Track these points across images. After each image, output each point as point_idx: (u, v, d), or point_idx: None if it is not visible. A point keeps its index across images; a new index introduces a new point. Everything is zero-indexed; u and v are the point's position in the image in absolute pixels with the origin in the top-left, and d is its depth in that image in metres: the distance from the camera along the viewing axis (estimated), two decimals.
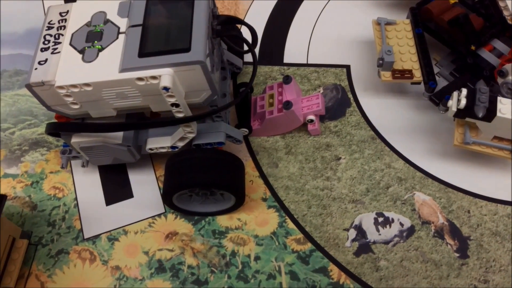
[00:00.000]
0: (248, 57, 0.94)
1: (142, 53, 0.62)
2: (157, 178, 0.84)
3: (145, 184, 0.84)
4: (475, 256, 0.75)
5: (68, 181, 0.84)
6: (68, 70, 0.63)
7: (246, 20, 1.03)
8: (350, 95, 0.92)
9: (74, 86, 0.63)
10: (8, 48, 1.03)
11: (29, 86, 0.64)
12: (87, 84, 0.62)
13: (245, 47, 0.94)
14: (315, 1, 1.08)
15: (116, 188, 0.83)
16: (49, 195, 0.83)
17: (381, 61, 0.83)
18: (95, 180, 0.84)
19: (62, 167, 0.80)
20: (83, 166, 0.81)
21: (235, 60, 0.87)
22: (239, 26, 1.00)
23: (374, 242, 0.77)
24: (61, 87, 0.63)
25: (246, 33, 0.84)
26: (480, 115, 0.72)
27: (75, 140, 0.72)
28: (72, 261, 0.76)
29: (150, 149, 0.75)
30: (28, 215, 0.81)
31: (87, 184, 0.84)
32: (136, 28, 0.65)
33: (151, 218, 0.80)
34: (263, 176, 0.84)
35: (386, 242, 0.77)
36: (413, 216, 0.79)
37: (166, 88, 0.60)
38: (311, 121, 0.85)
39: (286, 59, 0.98)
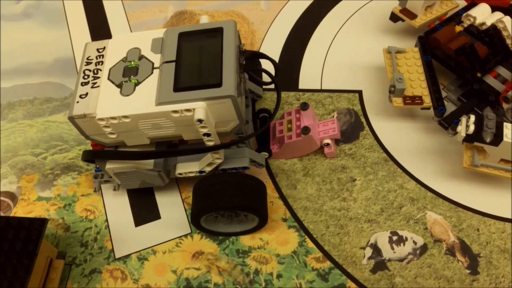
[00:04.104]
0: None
1: (177, 88, 0.67)
2: (183, 200, 0.89)
3: (172, 206, 0.88)
4: (485, 273, 0.79)
5: (99, 204, 0.89)
6: (107, 103, 0.69)
7: (262, 47, 1.10)
8: (363, 119, 0.97)
9: (113, 118, 0.68)
10: (37, 77, 1.09)
11: (71, 119, 0.69)
12: (125, 116, 0.68)
13: (264, 76, 1.00)
14: (327, 30, 1.14)
15: (144, 210, 0.88)
16: (81, 217, 0.88)
17: (392, 88, 0.88)
18: (124, 203, 0.89)
19: (94, 191, 0.85)
20: (114, 189, 0.86)
21: (256, 89, 0.93)
22: None
23: (389, 260, 0.81)
24: (101, 119, 0.68)
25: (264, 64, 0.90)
26: (488, 140, 0.77)
27: (110, 166, 0.77)
28: (105, 280, 0.81)
29: (180, 173, 0.80)
30: (62, 236, 0.85)
31: (117, 207, 0.89)
32: (169, 64, 0.70)
33: (178, 238, 0.85)
34: (282, 197, 0.88)
35: (401, 260, 0.81)
36: (425, 235, 0.83)
37: (200, 120, 0.65)
38: (327, 144, 0.89)
39: (301, 85, 1.04)
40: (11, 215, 0.88)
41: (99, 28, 1.18)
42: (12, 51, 1.15)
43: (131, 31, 1.17)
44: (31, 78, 1.09)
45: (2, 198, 0.90)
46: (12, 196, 0.91)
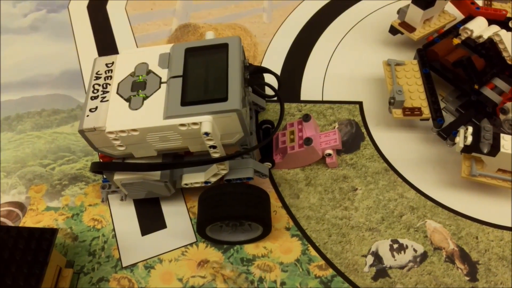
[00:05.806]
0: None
1: (184, 102, 0.69)
2: (188, 209, 0.91)
3: (177, 215, 0.90)
4: (484, 280, 0.81)
5: (106, 213, 0.91)
6: (116, 117, 0.71)
7: (264, 60, 1.12)
8: (363, 130, 0.99)
9: (122, 131, 0.70)
10: (45, 89, 1.11)
11: (82, 132, 0.71)
12: (134, 130, 0.70)
13: (267, 89, 1.02)
14: (328, 42, 1.16)
15: (150, 219, 0.90)
16: (89, 226, 0.90)
17: (392, 100, 0.91)
18: (131, 212, 0.91)
19: (102, 201, 0.87)
20: (121, 199, 0.88)
21: (259, 101, 0.95)
22: None
23: (390, 267, 0.83)
24: (111, 132, 0.70)
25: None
26: (485, 151, 0.79)
27: (117, 177, 0.79)
28: None
29: (186, 184, 0.82)
30: (70, 246, 0.87)
31: (124, 216, 0.91)
32: (176, 79, 0.72)
33: (183, 247, 0.87)
34: (285, 206, 0.90)
35: (401, 267, 0.83)
36: (425, 243, 0.85)
37: (206, 133, 0.67)
38: (329, 155, 0.92)
39: (303, 97, 1.06)
40: (20, 225, 0.90)
41: (104, 40, 1.21)
42: (20, 63, 1.17)
43: (136, 44, 1.19)
44: (39, 90, 1.11)
45: (11, 208, 0.92)
46: (21, 206, 0.93)
